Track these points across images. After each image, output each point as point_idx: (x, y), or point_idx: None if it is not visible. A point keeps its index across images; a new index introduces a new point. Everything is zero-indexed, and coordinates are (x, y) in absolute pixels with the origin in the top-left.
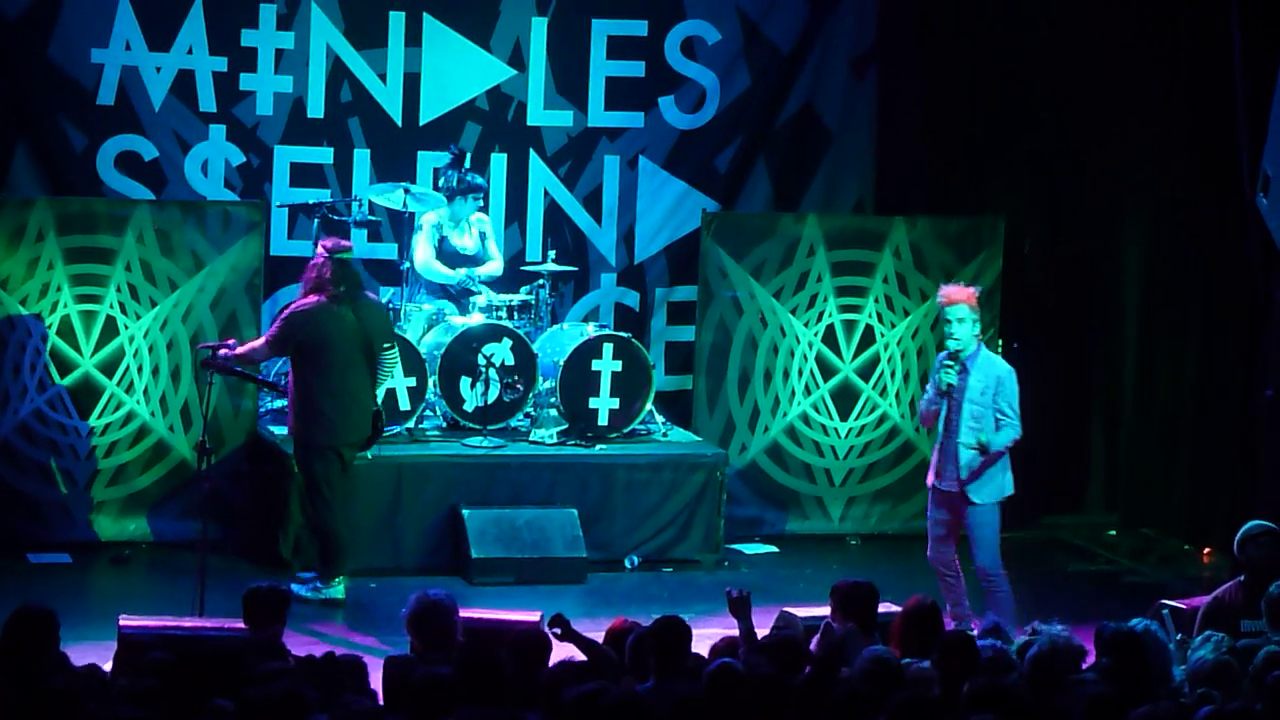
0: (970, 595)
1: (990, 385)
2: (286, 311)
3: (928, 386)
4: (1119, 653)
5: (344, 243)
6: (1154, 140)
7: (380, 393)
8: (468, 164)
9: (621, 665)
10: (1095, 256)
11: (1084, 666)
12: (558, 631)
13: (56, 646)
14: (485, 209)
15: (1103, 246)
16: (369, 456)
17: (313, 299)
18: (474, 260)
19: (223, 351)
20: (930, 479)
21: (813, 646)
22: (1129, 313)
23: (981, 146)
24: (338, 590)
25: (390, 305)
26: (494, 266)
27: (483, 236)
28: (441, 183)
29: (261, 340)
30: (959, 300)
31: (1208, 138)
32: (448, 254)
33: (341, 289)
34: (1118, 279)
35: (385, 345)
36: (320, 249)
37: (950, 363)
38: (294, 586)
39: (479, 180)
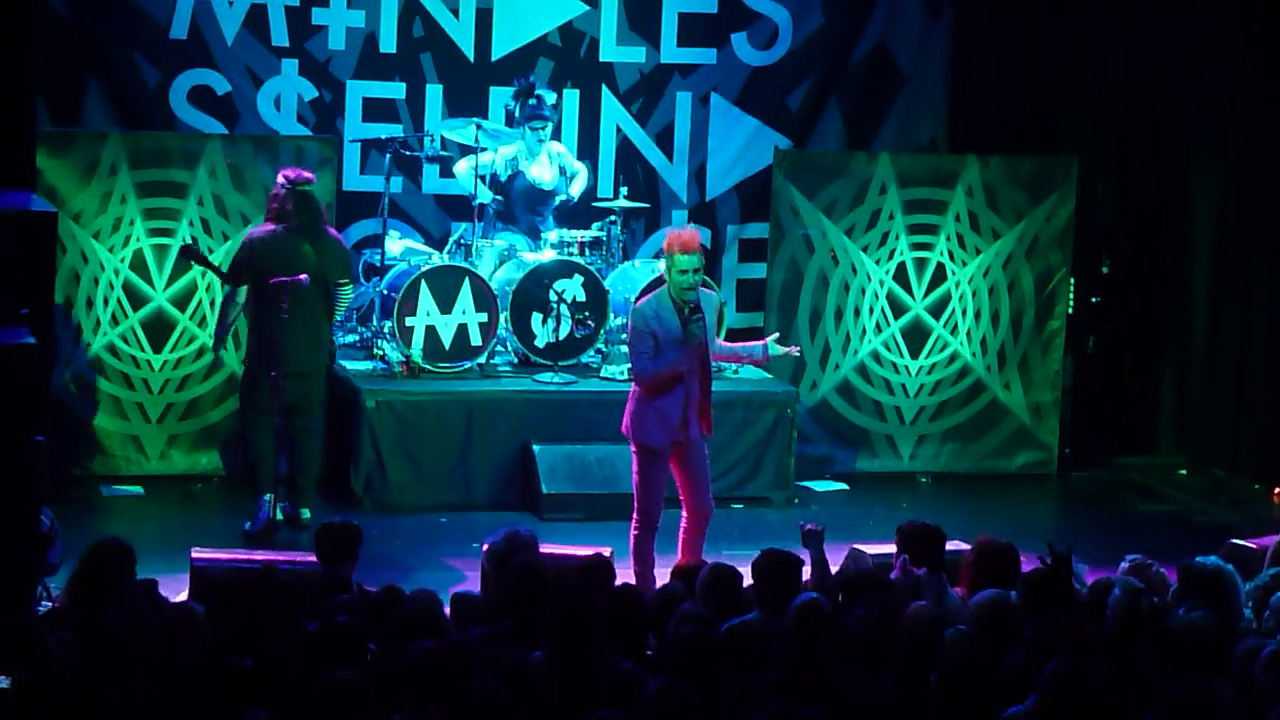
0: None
1: (714, 315)
2: (245, 238)
3: (645, 347)
4: (1208, 590)
5: (305, 174)
6: (1229, 80)
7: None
8: (542, 95)
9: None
10: (1168, 196)
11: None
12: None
13: (133, 579)
14: (557, 137)
15: (1176, 187)
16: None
17: (270, 227)
18: (550, 195)
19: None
20: (670, 436)
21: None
22: (1200, 253)
23: (1056, 86)
24: (275, 511)
25: (462, 240)
26: (580, 181)
27: (562, 170)
28: (511, 113)
29: (227, 270)
30: (696, 248)
31: None
32: (524, 190)
33: (302, 219)
34: (1190, 219)
35: (340, 281)
36: (281, 178)
37: (698, 315)
38: (246, 525)
39: (544, 110)
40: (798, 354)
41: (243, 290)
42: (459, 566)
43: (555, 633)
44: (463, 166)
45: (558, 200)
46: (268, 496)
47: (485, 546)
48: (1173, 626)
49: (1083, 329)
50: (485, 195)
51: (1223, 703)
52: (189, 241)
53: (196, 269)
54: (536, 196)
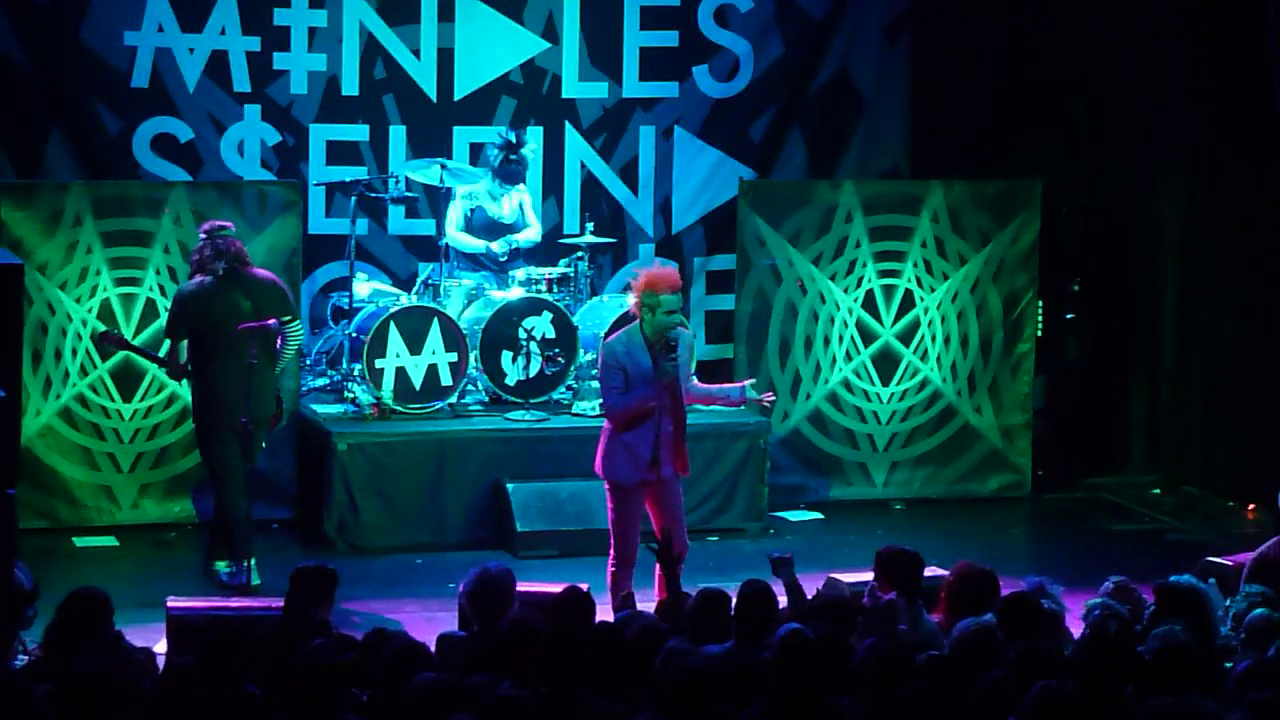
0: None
1: (688, 353)
2: (175, 295)
3: (615, 382)
4: (1184, 608)
5: (219, 223)
6: (1188, 96)
7: (286, 363)
8: (522, 153)
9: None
10: (1132, 215)
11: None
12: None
13: (110, 628)
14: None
15: (1139, 205)
16: (263, 445)
17: (197, 280)
18: (511, 229)
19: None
20: (640, 473)
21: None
22: (1167, 270)
23: (1017, 109)
24: (253, 576)
25: (430, 281)
26: (531, 233)
27: (520, 205)
28: (487, 156)
29: (164, 330)
30: (680, 287)
31: (1242, 92)
32: (484, 224)
33: (222, 264)
34: (1156, 237)
35: (285, 319)
36: (201, 232)
37: (672, 353)
38: (221, 573)
39: (519, 170)
40: (771, 401)
41: (183, 347)
42: (435, 607)
43: (537, 669)
44: (453, 230)
45: (519, 234)
46: (247, 562)
47: (460, 588)
48: (1147, 645)
49: (1056, 347)
50: (503, 249)
51: (1202, 717)
52: (108, 329)
53: (160, 323)
54: (496, 229)
